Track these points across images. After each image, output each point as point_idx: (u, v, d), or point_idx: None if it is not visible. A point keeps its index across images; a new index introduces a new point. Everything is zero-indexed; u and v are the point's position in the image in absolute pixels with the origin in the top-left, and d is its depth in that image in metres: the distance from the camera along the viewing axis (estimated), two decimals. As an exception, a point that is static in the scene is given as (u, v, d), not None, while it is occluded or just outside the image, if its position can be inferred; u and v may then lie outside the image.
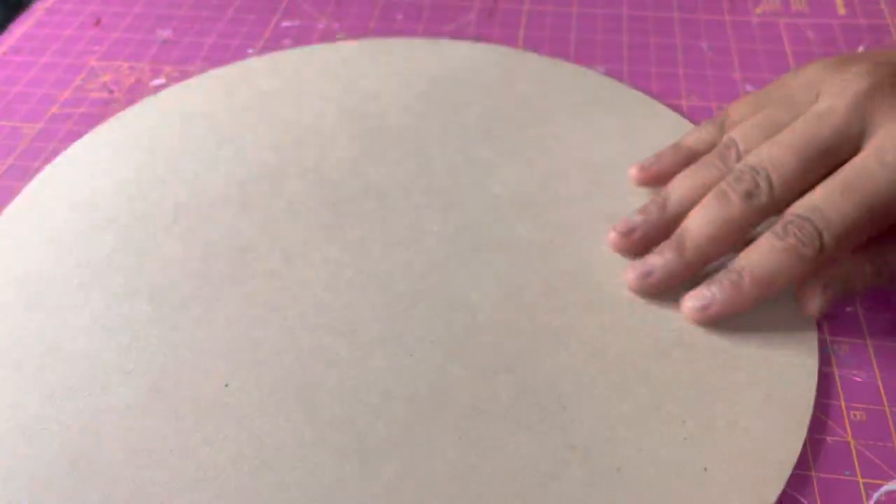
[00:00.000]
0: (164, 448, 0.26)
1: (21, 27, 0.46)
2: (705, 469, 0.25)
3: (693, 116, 0.38)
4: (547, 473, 0.25)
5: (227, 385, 0.27)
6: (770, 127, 0.30)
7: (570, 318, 0.29)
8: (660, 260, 0.29)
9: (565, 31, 0.43)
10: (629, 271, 0.30)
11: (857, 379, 0.28)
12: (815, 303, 0.28)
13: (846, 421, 0.26)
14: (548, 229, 0.32)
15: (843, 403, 0.27)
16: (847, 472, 0.25)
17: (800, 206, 0.27)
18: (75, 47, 0.44)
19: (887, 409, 0.27)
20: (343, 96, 0.39)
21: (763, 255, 0.27)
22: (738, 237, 0.29)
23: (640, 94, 0.39)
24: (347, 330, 0.29)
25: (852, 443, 0.26)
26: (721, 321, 0.28)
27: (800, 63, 0.41)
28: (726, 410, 0.26)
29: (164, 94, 0.40)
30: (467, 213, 0.33)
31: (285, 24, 0.44)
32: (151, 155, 0.36)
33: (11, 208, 0.34)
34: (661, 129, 0.37)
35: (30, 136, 0.38)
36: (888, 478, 0.25)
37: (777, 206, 0.28)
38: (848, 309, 0.30)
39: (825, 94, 0.29)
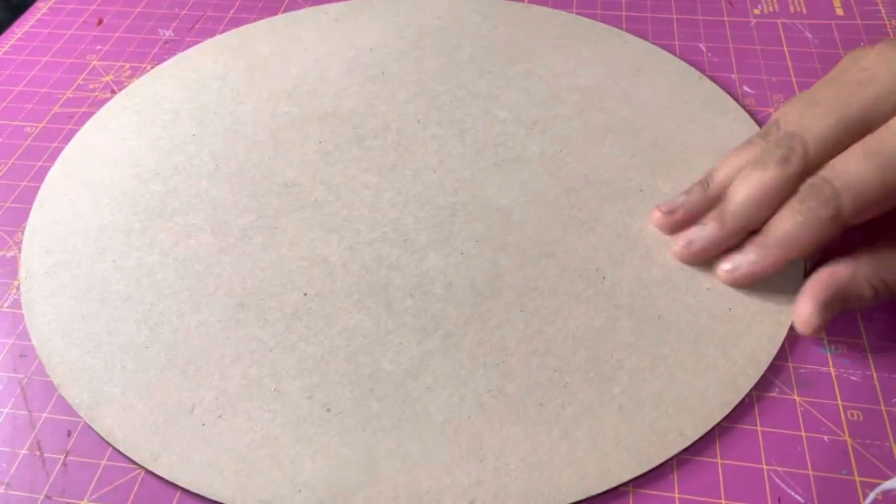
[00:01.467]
0: (264, 349, 0.29)
1: (23, 26, 0.46)
2: (729, 309, 0.30)
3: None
4: (602, 328, 0.29)
5: (305, 294, 0.30)
6: (813, 101, 0.29)
7: (591, 209, 0.33)
8: (701, 231, 0.30)
9: None
10: (678, 241, 0.31)
11: (854, 379, 0.28)
12: (812, 320, 0.28)
13: (843, 420, 0.27)
14: (555, 143, 0.37)
15: (840, 403, 0.27)
16: (844, 472, 0.25)
17: (823, 169, 0.27)
18: (78, 47, 0.45)
19: (884, 408, 0.27)
20: (341, 50, 0.42)
21: (784, 220, 0.28)
22: (777, 203, 0.29)
23: (607, 26, 0.44)
24: (400, 240, 0.32)
25: (849, 442, 0.26)
26: (754, 282, 0.30)
27: (798, 64, 0.41)
28: (736, 264, 0.31)
29: (166, 64, 0.42)
30: (480, 136, 0.37)
31: None
32: (175, 115, 0.38)
33: (54, 171, 0.36)
34: (633, 53, 0.41)
35: (32, 135, 0.39)
36: (885, 477, 0.25)
37: (814, 170, 0.28)
38: None
39: (868, 65, 0.29)
